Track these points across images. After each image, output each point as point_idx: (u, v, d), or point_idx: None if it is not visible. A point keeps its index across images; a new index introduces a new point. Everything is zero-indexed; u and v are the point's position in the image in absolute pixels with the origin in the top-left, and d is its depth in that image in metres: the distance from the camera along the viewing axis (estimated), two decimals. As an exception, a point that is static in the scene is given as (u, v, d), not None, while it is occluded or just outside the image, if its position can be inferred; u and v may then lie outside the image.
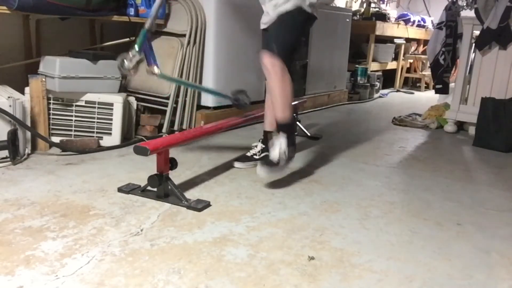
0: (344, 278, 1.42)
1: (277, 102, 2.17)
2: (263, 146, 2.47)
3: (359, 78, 5.32)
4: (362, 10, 5.94)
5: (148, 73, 2.20)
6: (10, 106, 2.28)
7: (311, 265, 1.49)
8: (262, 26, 2.28)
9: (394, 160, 2.84)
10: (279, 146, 2.15)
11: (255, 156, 2.46)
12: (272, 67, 2.14)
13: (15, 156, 2.29)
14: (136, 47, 2.08)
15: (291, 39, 2.21)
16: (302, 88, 4.26)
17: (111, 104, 2.68)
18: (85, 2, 2.63)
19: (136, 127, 2.96)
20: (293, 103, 3.01)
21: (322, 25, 4.36)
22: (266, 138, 2.45)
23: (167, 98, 3.06)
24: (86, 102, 2.65)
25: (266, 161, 2.18)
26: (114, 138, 2.71)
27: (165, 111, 3.05)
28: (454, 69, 4.14)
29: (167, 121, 3.02)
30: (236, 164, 2.44)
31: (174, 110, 3.07)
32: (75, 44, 3.04)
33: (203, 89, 2.45)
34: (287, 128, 2.19)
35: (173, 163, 2.01)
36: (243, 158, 2.47)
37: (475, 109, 3.45)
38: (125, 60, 2.09)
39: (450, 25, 3.90)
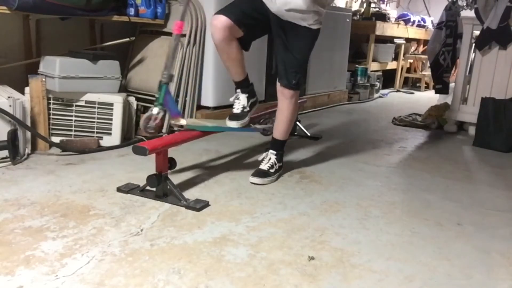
0: (344, 278, 1.42)
1: (284, 126, 2.30)
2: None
3: (359, 78, 5.32)
4: (362, 10, 5.94)
5: (174, 126, 2.10)
6: (10, 106, 2.29)
7: (311, 265, 1.48)
8: (294, 19, 2.18)
9: (394, 160, 2.84)
10: (269, 160, 2.30)
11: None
12: (291, 97, 2.24)
13: (15, 156, 2.29)
14: (159, 104, 1.96)
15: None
16: (302, 88, 4.25)
17: (111, 104, 2.68)
18: (85, 2, 2.64)
19: (136, 127, 2.96)
20: None
21: (322, 25, 4.34)
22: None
23: (167, 98, 3.06)
24: (86, 102, 2.65)
25: (259, 172, 2.26)
26: (114, 138, 2.71)
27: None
28: (454, 69, 4.14)
29: (167, 121, 3.02)
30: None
31: (174, 110, 3.07)
32: (75, 44, 3.04)
33: (230, 130, 2.32)
34: (282, 146, 2.36)
35: (172, 163, 2.01)
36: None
37: (475, 109, 3.45)
38: (150, 121, 1.97)
39: (450, 25, 3.90)
